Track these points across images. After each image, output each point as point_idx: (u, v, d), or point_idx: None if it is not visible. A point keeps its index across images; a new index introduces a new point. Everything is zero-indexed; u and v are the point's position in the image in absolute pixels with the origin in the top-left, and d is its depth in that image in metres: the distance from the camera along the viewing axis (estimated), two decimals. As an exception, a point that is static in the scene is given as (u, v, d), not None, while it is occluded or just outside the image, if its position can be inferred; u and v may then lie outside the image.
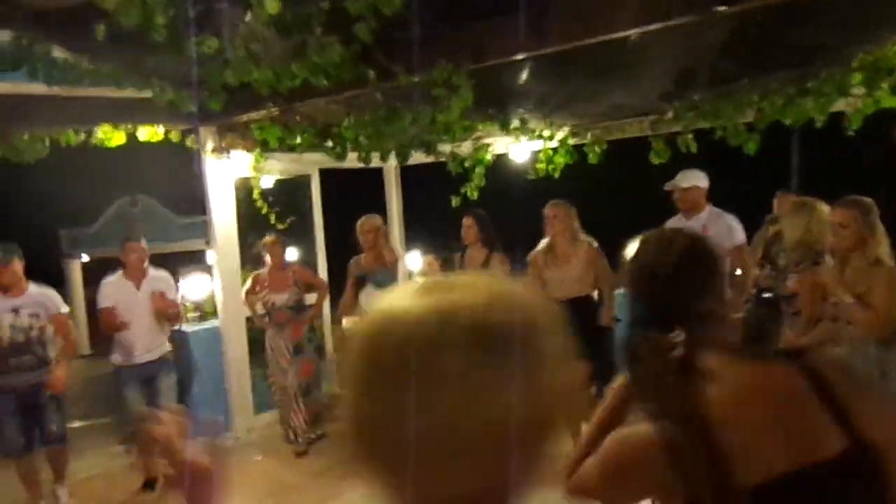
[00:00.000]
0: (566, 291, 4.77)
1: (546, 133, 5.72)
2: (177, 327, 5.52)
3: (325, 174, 7.25)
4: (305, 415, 5.58)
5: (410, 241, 7.89)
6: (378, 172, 7.61)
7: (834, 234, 3.30)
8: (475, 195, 6.66)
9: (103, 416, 5.82)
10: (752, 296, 5.07)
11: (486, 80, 4.51)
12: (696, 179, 4.71)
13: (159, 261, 5.45)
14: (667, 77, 4.82)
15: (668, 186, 4.81)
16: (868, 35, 3.81)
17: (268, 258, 5.55)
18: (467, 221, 5.05)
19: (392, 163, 7.21)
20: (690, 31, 4.23)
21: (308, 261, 6.92)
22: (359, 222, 5.46)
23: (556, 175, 5.90)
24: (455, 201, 6.71)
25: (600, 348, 4.74)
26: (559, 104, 5.41)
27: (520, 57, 4.02)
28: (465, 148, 6.23)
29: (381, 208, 7.73)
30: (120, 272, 4.95)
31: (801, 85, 4.13)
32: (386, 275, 5.30)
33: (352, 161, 6.33)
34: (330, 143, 5.39)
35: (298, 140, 5.37)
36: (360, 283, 5.40)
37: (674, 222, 4.84)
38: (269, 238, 5.61)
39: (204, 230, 16.72)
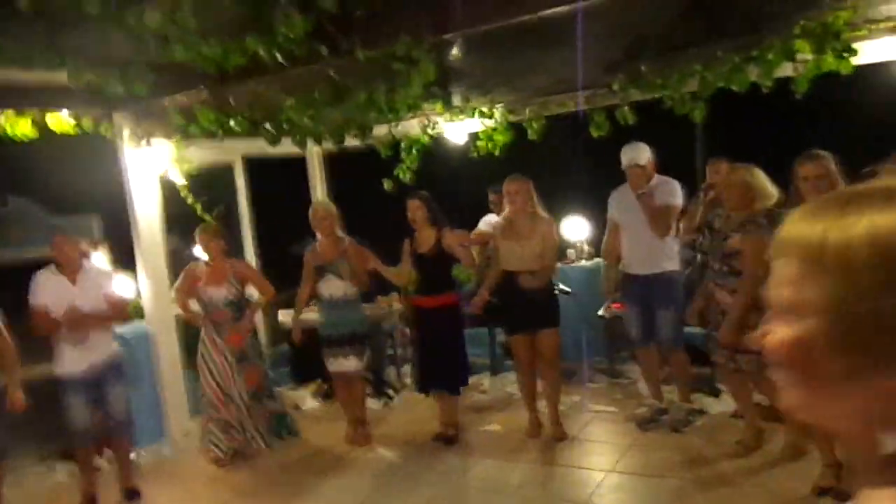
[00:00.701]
0: (524, 265, 4.78)
1: (486, 110, 5.67)
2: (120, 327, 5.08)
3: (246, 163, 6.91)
4: (258, 422, 5.20)
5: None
6: (301, 160, 7.32)
7: (813, 188, 3.45)
8: (408, 178, 6.53)
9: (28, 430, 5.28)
10: (693, 258, 5.28)
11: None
12: (647, 153, 4.81)
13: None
14: (612, 49, 4.88)
15: (626, 165, 4.85)
16: (809, 2, 4.00)
17: (202, 250, 5.13)
18: (413, 204, 4.94)
19: (317, 149, 6.97)
20: (637, 2, 4.32)
21: (235, 254, 6.56)
22: (311, 209, 5.23)
23: (497, 153, 5.88)
24: (387, 185, 6.55)
25: (557, 318, 4.85)
26: (501, 80, 5.38)
27: (485, 28, 3.96)
28: (397, 131, 6.09)
29: (304, 197, 7.46)
30: (52, 267, 4.51)
31: (747, 53, 4.30)
32: (343, 263, 5.09)
33: (276, 148, 6.06)
34: (268, 127, 5.10)
35: (232, 124, 5.04)
36: (319, 272, 5.16)
37: (622, 191, 4.93)
38: (203, 227, 5.18)
39: (85, 230, 15.73)
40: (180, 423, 5.84)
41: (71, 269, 4.47)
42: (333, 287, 5.13)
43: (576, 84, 5.41)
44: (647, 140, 5.11)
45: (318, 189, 7.35)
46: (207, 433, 5.20)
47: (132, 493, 4.74)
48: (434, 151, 6.64)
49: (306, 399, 6.46)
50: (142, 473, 5.10)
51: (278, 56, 3.82)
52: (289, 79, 4.54)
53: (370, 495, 4.42)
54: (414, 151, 6.22)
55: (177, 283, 5.20)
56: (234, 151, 6.41)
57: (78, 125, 5.23)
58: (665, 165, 5.22)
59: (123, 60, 4.54)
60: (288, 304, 7.14)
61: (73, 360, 4.43)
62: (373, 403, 6.07)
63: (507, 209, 4.88)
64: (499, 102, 5.65)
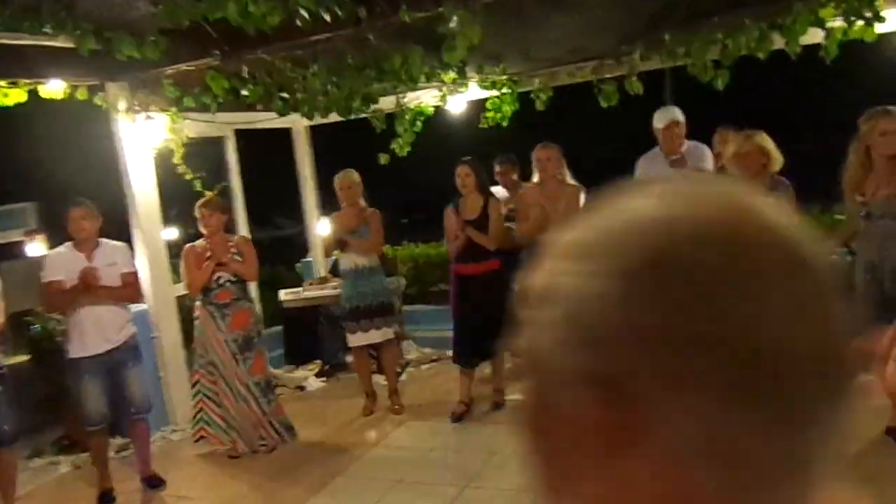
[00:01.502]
0: (550, 231, 4.79)
1: (497, 80, 5.63)
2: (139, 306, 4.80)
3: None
4: (272, 415, 4.84)
5: (325, 205, 7.46)
6: (286, 134, 7.09)
7: (890, 143, 3.58)
8: (405, 152, 6.43)
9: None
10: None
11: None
12: (681, 113, 4.87)
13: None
14: (631, 18, 4.91)
15: (665, 125, 4.89)
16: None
17: (202, 225, 4.77)
18: (464, 170, 4.89)
19: (305, 122, 6.77)
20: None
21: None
22: (336, 178, 5.11)
23: (505, 124, 5.86)
24: (383, 159, 6.42)
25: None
26: (513, 49, 5.34)
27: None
28: (403, 102, 5.97)
29: (290, 171, 7.26)
30: (69, 243, 4.24)
31: (772, 20, 4.41)
32: (366, 231, 5.00)
33: (265, 121, 5.90)
34: (285, 95, 4.92)
35: (245, 93, 4.84)
36: (341, 243, 5.04)
37: (653, 155, 4.98)
38: (204, 201, 4.86)
39: (19, 220, 14.95)
40: (184, 409, 5.60)
41: (86, 244, 4.21)
42: (359, 256, 5.03)
43: (587, 53, 5.42)
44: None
45: (305, 163, 7.15)
46: (209, 424, 4.89)
47: (154, 481, 4.51)
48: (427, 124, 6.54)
49: (309, 379, 6.31)
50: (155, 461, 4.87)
51: (325, 16, 3.67)
52: (312, 44, 4.39)
53: (410, 472, 4.35)
54: (419, 123, 6.11)
55: (183, 269, 4.87)
56: (225, 124, 6.15)
57: (72, 95, 4.90)
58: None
59: (135, 24, 4.29)
60: (283, 285, 6.99)
61: (89, 342, 4.18)
62: (380, 380, 5.99)
63: (536, 175, 4.88)
64: (509, 72, 5.60)
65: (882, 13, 4.23)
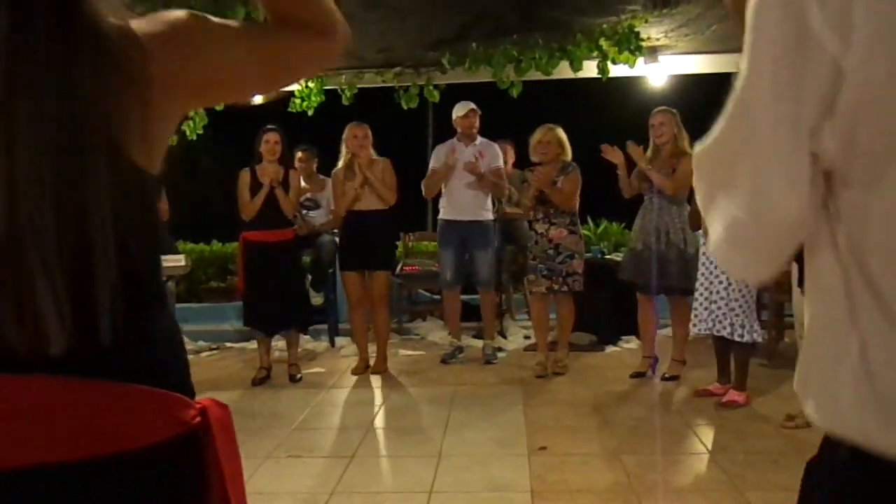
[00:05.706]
0: (365, 203, 5.10)
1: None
2: None
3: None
4: None
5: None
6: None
7: (655, 132, 4.57)
8: (195, 136, 6.35)
9: None
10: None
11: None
12: (472, 108, 5.48)
13: None
14: (445, 25, 5.49)
15: (463, 113, 5.37)
16: (609, 10, 5.19)
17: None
18: (274, 137, 4.95)
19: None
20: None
21: None
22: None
23: (311, 113, 6.10)
24: (171, 140, 6.24)
25: (394, 252, 5.69)
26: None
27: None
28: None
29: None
30: None
31: (562, 44, 5.35)
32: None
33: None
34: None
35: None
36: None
37: (450, 144, 5.50)
38: None
39: None
40: None
41: None
42: None
43: (396, 54, 5.91)
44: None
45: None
46: None
47: None
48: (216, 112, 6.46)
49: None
50: None
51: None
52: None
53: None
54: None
55: None
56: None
57: None
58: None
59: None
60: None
61: None
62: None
63: (346, 152, 5.14)
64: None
65: (636, 59, 5.42)
